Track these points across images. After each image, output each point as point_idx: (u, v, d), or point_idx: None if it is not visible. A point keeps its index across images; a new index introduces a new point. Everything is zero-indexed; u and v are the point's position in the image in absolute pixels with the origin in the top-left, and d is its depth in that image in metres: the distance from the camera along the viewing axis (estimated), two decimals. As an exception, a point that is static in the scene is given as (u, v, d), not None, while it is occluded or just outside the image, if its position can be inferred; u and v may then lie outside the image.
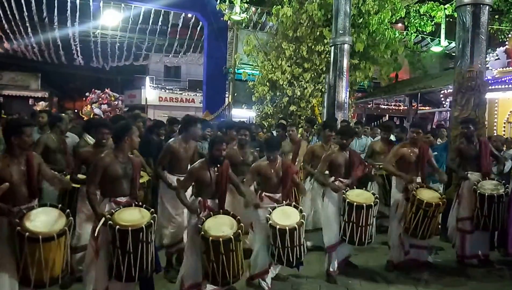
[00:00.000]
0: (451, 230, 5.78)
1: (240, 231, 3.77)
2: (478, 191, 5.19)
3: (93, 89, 21.80)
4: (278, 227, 4.11)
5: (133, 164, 3.87)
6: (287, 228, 4.10)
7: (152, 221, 3.59)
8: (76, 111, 19.68)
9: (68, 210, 3.47)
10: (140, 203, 3.82)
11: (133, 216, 3.59)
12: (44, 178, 3.73)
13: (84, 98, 30.41)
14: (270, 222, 4.17)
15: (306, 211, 5.19)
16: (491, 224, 5.18)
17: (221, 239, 3.64)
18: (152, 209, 3.78)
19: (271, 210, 4.32)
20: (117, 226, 3.44)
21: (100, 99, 20.83)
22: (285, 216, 4.25)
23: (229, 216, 3.97)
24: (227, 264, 3.71)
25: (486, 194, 5.14)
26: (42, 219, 3.29)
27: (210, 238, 3.65)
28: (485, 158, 5.46)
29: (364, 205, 4.65)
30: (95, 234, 3.64)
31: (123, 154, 3.81)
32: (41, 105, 20.72)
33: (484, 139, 5.76)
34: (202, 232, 3.73)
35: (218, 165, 4.14)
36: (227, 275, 3.74)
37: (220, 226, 3.79)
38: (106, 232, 3.58)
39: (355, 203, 4.67)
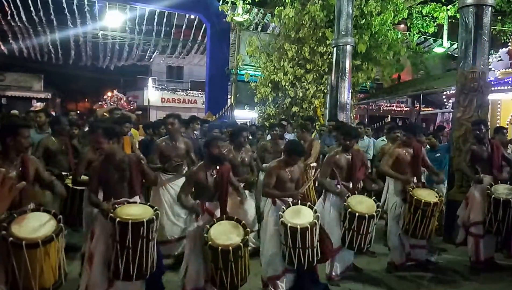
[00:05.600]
0: (459, 231, 5.69)
1: (247, 236, 3.70)
2: (493, 196, 5.09)
3: (115, 90, 22.03)
4: (289, 225, 3.97)
5: (130, 162, 3.83)
6: (298, 227, 3.97)
7: (154, 217, 3.54)
8: (78, 112, 19.69)
9: (60, 216, 3.28)
10: (143, 202, 3.84)
11: (135, 211, 3.57)
12: (40, 183, 3.59)
13: (86, 99, 30.40)
14: (281, 219, 4.06)
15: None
16: (504, 229, 5.08)
17: (230, 248, 3.56)
18: (156, 207, 3.75)
19: (284, 208, 4.19)
20: (118, 219, 3.40)
21: (117, 101, 21.03)
22: (298, 215, 4.10)
23: (233, 221, 3.88)
24: (236, 271, 3.65)
25: (502, 199, 5.03)
26: (31, 225, 3.11)
27: (220, 247, 3.56)
28: (497, 161, 5.41)
29: (367, 215, 4.51)
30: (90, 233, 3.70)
31: (115, 156, 3.77)
32: (39, 106, 20.69)
33: (496, 141, 5.67)
34: (210, 242, 3.63)
35: (218, 167, 4.07)
36: (235, 280, 3.69)
37: (226, 234, 3.71)
38: (103, 229, 3.60)
39: (357, 214, 4.52)
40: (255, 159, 6.05)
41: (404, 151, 5.24)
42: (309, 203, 4.37)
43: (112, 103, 20.82)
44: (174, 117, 5.41)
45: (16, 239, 2.96)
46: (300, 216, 4.09)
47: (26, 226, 3.09)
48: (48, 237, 3.07)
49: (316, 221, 4.06)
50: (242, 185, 4.86)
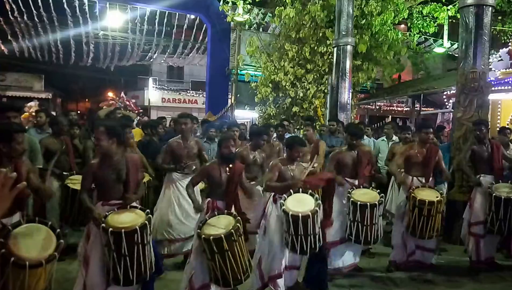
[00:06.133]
0: (464, 234, 5.67)
1: (233, 231, 3.68)
2: (494, 194, 5.08)
3: (122, 93, 22.11)
4: (290, 213, 4.00)
5: (128, 162, 3.77)
6: (300, 215, 3.99)
7: (147, 222, 3.52)
8: (79, 112, 19.66)
9: (58, 230, 3.16)
10: (135, 205, 3.77)
11: (127, 217, 3.54)
12: (29, 187, 3.37)
13: (86, 99, 30.31)
14: (283, 207, 4.09)
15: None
16: (506, 228, 5.06)
17: (211, 238, 3.61)
18: (148, 210, 3.73)
19: (286, 196, 4.21)
20: (110, 228, 3.37)
21: (124, 102, 21.02)
22: (300, 203, 4.13)
23: (230, 216, 3.91)
24: (224, 264, 3.67)
25: (503, 197, 5.02)
26: (30, 241, 2.99)
27: (203, 236, 3.65)
28: (497, 161, 5.41)
29: (368, 204, 4.65)
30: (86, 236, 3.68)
31: (112, 156, 3.72)
32: (34, 105, 20.47)
33: (496, 141, 5.69)
34: (198, 230, 3.75)
35: (230, 165, 4.13)
36: (227, 275, 3.70)
37: (217, 226, 3.76)
38: (98, 234, 3.56)
39: (358, 202, 4.67)
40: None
41: (416, 151, 5.28)
42: (310, 191, 4.37)
43: (121, 104, 20.85)
44: (186, 116, 5.40)
45: (19, 259, 2.85)
46: (302, 204, 4.13)
47: (25, 242, 2.97)
48: (52, 256, 3.00)
49: (318, 208, 4.11)
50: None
